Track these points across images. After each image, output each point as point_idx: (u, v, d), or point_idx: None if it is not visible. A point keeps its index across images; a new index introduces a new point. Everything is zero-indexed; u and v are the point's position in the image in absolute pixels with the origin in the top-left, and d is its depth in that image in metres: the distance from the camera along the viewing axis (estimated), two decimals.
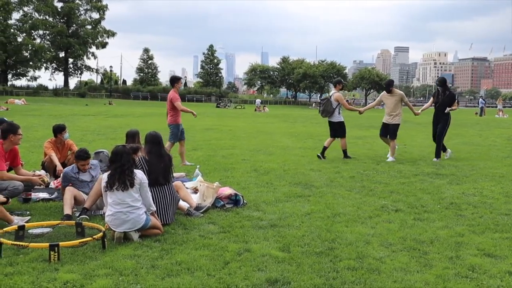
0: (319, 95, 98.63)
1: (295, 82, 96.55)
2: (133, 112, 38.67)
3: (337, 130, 12.61)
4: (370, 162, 11.96)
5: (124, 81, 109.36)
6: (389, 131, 12.41)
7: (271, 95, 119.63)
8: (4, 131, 7.10)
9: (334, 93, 12.86)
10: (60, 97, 75.25)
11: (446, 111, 12.11)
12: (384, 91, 12.80)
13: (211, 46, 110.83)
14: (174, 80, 11.73)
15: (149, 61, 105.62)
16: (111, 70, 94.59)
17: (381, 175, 10.17)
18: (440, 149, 12.42)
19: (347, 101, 14.88)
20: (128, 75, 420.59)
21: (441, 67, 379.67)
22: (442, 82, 12.76)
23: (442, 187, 9.01)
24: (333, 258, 5.14)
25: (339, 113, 12.57)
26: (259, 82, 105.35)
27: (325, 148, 12.66)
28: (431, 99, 12.81)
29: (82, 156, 7.39)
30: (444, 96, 12.26)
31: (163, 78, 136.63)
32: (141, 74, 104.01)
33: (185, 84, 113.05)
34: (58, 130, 9.33)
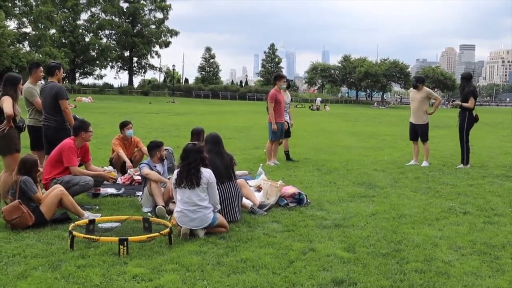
0: (381, 94, 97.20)
1: (357, 81, 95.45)
2: (195, 110, 39.23)
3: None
4: (435, 163, 11.67)
5: (186, 80, 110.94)
6: (418, 133, 11.49)
7: (331, 94, 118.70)
8: (76, 128, 7.35)
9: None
10: (125, 95, 77.23)
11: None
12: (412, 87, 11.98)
13: (272, 45, 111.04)
14: (275, 78, 11.67)
15: (211, 60, 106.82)
16: (173, 69, 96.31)
17: (448, 176, 9.91)
18: (464, 152, 11.15)
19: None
20: (190, 73, 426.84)
21: (510, 65, 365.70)
22: (463, 77, 11.72)
23: None
24: (399, 260, 5.04)
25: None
26: (320, 81, 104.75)
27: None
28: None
29: (159, 143, 7.72)
30: (463, 92, 11.28)
31: (224, 77, 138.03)
32: (203, 72, 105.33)
33: (246, 82, 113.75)
34: (122, 126, 9.59)
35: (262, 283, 4.42)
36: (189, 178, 5.83)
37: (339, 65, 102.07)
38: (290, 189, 7.50)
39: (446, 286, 4.41)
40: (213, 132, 7.15)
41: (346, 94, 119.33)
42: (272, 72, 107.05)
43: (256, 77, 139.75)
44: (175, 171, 6.13)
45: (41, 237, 5.62)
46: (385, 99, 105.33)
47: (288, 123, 11.85)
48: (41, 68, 8.45)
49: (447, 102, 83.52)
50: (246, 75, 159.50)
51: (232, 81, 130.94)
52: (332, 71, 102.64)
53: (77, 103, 43.55)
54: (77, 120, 7.77)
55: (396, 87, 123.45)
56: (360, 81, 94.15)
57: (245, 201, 7.03)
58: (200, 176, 5.85)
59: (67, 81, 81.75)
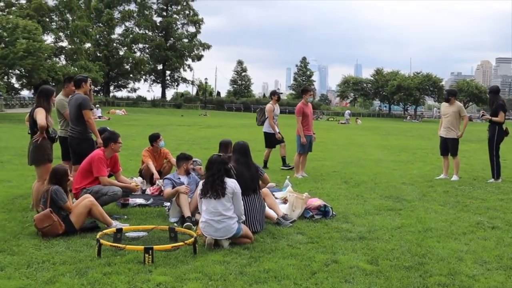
0: (414, 107, 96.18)
1: (389, 94, 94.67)
2: (226, 123, 39.48)
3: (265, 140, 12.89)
4: (466, 177, 11.53)
5: (218, 93, 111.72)
6: (448, 147, 11.32)
7: (363, 108, 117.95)
8: (105, 139, 7.53)
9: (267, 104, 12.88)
10: (158, 108, 78.10)
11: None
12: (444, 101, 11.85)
13: (304, 58, 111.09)
14: (302, 91, 11.88)
15: (243, 73, 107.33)
16: (206, 82, 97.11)
17: (478, 191, 9.78)
18: (494, 166, 11.00)
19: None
20: (223, 86, 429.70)
21: None
22: (491, 91, 11.67)
23: None
24: (423, 273, 5.03)
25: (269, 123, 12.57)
26: (352, 94, 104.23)
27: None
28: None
29: (187, 156, 7.90)
30: (492, 106, 11.13)
31: (257, 90, 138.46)
32: (235, 86, 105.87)
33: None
34: (153, 138, 9.75)
35: None
36: (214, 188, 5.92)
37: (372, 78, 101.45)
38: (316, 202, 7.52)
39: None
40: (241, 141, 7.19)
41: (378, 108, 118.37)
42: (303, 85, 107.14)
43: (288, 91, 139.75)
44: (200, 182, 6.24)
45: (70, 245, 5.77)
46: (421, 112, 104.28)
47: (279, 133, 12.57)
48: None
49: (481, 117, 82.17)
50: (278, 88, 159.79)
51: (264, 94, 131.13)
52: (364, 85, 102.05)
53: (110, 116, 44.19)
54: (107, 131, 7.94)
55: (429, 101, 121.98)
56: (392, 94, 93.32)
57: (270, 212, 7.08)
58: (225, 187, 5.93)
59: (101, 94, 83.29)
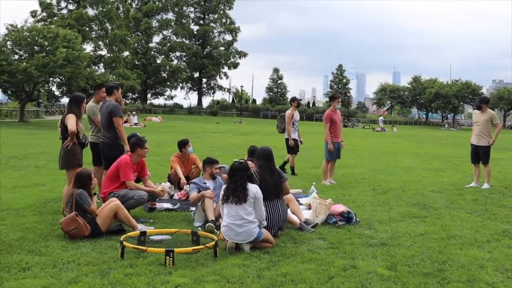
0: (452, 115, 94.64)
1: (427, 102, 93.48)
2: (260, 130, 39.60)
3: (286, 146, 13.09)
4: (497, 185, 11.36)
5: (254, 100, 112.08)
6: (480, 155, 11.28)
7: (401, 115, 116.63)
8: (132, 145, 7.73)
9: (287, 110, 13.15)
10: (194, 115, 78.92)
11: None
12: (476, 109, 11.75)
13: (340, 66, 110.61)
14: (330, 98, 12.22)
15: (279, 81, 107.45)
16: (242, 90, 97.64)
17: (508, 199, 9.64)
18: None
19: None
20: (259, 94, 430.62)
21: None
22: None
23: None
24: (440, 280, 5.01)
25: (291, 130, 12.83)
26: (388, 102, 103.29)
27: (285, 163, 13.11)
28: None
29: (215, 160, 8.09)
30: None
31: None
32: (270, 93, 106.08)
33: (313, 103, 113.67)
34: (182, 144, 9.94)
35: None
36: (235, 194, 6.03)
37: (409, 86, 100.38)
38: (340, 208, 7.55)
39: None
40: (265, 146, 7.27)
41: (417, 116, 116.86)
42: (340, 93, 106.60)
43: (324, 98, 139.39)
44: (222, 187, 6.35)
45: (96, 247, 5.95)
46: (457, 120, 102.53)
47: (299, 140, 13.06)
48: (104, 89, 8.95)
49: None
50: (314, 96, 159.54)
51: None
52: (402, 92, 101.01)
53: (146, 123, 44.83)
54: (134, 137, 8.13)
55: (469, 109, 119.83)
56: (430, 102, 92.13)
57: (293, 217, 7.14)
58: (247, 193, 6.03)
59: (139, 101, 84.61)
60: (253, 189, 6.13)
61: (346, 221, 7.37)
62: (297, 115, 13.06)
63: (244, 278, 4.97)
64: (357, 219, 7.47)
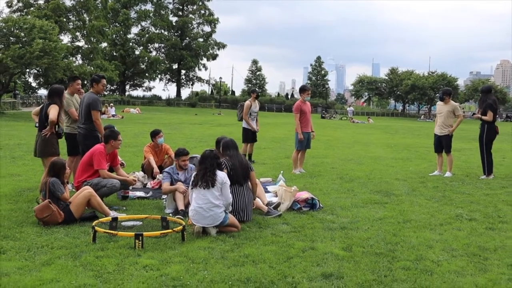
0: (428, 106, 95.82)
1: (403, 93, 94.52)
2: (238, 122, 39.73)
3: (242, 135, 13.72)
4: (459, 174, 11.86)
5: (233, 92, 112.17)
6: (442, 145, 11.73)
7: (379, 107, 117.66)
8: (106, 136, 8.01)
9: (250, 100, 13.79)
10: (172, 107, 78.81)
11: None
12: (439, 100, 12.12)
13: (318, 58, 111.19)
14: (300, 90, 12.48)
15: (257, 73, 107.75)
16: (220, 81, 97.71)
17: (466, 186, 10.12)
18: (484, 163, 11.41)
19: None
20: (240, 85, 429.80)
21: None
22: (482, 90, 12.05)
23: None
24: (391, 259, 5.41)
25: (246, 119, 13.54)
26: (366, 93, 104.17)
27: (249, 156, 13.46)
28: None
29: (182, 152, 8.28)
30: (482, 105, 11.45)
31: (274, 89, 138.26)
32: (249, 85, 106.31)
33: (292, 95, 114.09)
34: (154, 134, 10.24)
35: (257, 274, 4.86)
36: (204, 179, 6.37)
37: (386, 77, 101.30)
38: (304, 194, 7.92)
39: (427, 282, 4.75)
40: (229, 139, 7.58)
41: (393, 107, 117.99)
42: (318, 84, 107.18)
43: None
44: (193, 175, 6.69)
45: (69, 232, 6.24)
46: (433, 111, 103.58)
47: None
48: (78, 81, 9.23)
49: (472, 115, 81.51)
50: (293, 88, 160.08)
51: (278, 94, 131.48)
52: (379, 84, 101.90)
53: (124, 114, 44.76)
54: (108, 129, 8.41)
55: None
56: (406, 94, 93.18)
57: (261, 204, 7.51)
58: (216, 178, 6.38)
59: (117, 93, 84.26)
60: (221, 175, 6.49)
61: (310, 207, 7.75)
62: (255, 106, 13.76)
63: (208, 259, 5.32)
64: (321, 205, 7.85)
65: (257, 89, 14.91)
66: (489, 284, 4.71)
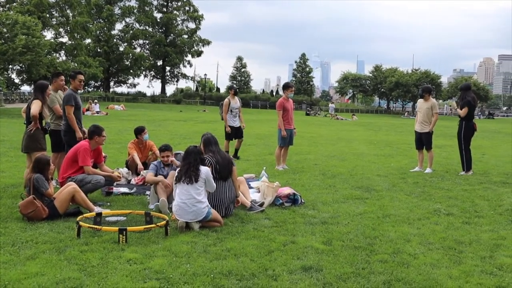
0: (411, 103, 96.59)
1: (387, 90, 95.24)
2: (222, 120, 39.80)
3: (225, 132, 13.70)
4: (439, 170, 12.09)
5: (218, 89, 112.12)
6: (423, 142, 11.94)
7: (364, 104, 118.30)
8: (90, 132, 8.08)
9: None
10: (157, 104, 78.64)
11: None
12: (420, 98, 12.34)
13: (303, 55, 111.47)
14: (283, 87, 12.55)
15: (242, 69, 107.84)
16: (205, 78, 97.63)
17: (446, 182, 10.33)
18: (463, 159, 11.62)
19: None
20: (224, 82, 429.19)
21: None
22: (461, 88, 12.20)
23: (504, 195, 9.07)
24: (369, 252, 5.57)
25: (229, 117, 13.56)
26: (351, 90, 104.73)
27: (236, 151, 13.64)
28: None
29: (166, 147, 8.42)
30: (461, 102, 11.68)
31: (259, 86, 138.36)
32: (234, 81, 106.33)
33: (277, 91, 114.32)
34: (138, 131, 10.32)
35: (239, 267, 4.99)
36: (188, 174, 6.49)
37: (370, 75, 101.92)
38: (286, 190, 8.06)
39: (403, 274, 4.91)
40: (211, 135, 7.68)
41: (378, 104, 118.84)
42: (302, 81, 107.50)
43: None
44: (177, 170, 6.79)
45: (54, 227, 6.31)
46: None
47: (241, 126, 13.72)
48: (62, 77, 9.28)
49: (479, 113, 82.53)
50: (278, 85, 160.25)
51: (263, 90, 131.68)
52: (363, 81, 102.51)
53: (109, 111, 44.57)
54: (92, 125, 8.48)
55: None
56: (390, 91, 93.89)
57: (244, 199, 7.63)
58: (199, 173, 6.50)
59: (101, 89, 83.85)
60: (205, 170, 6.60)
61: (292, 202, 7.88)
62: (235, 103, 13.70)
63: (191, 253, 5.43)
64: (303, 201, 7.99)
65: (234, 85, 14.88)
66: (462, 276, 4.88)
